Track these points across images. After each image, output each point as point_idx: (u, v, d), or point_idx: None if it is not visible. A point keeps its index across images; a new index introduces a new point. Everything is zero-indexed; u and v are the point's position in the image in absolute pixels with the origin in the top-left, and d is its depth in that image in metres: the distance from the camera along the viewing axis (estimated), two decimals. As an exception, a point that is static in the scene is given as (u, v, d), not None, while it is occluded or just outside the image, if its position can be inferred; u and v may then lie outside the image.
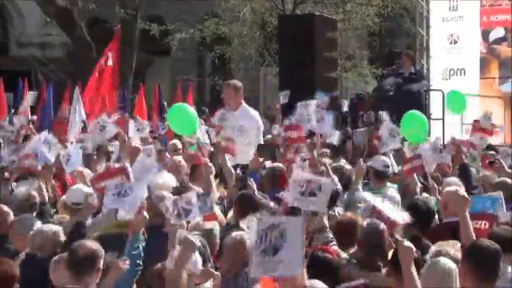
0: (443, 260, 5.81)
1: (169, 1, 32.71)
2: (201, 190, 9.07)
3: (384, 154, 12.50)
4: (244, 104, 11.74)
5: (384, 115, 12.52)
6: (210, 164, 9.90)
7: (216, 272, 6.12)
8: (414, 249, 5.84)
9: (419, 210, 7.85)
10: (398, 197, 9.58)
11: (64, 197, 9.20)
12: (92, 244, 6.14)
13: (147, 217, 6.71)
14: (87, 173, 11.25)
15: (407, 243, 5.87)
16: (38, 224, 7.55)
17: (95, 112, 15.79)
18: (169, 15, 31.65)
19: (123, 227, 7.11)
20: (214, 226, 7.38)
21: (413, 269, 5.76)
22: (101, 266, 6.00)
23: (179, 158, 12.28)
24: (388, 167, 11.13)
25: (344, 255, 6.90)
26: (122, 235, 6.83)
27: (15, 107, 20.28)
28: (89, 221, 8.22)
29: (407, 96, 17.78)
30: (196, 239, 6.21)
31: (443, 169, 11.60)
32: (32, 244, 7.12)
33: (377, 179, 10.53)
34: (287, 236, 5.12)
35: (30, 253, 7.06)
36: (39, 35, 35.17)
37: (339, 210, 8.82)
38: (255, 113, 11.74)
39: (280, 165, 10.13)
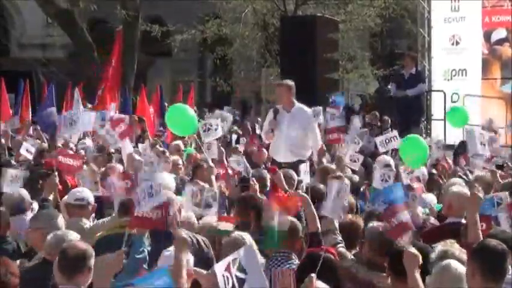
0: (454, 264, 5.80)
1: (170, 2, 32.70)
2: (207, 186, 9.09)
3: (385, 153, 12.54)
4: (296, 103, 12.02)
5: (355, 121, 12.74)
6: (212, 165, 9.90)
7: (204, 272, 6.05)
8: (420, 256, 5.85)
9: None
10: None
11: (65, 197, 9.17)
12: (81, 244, 6.11)
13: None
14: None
15: (413, 249, 5.88)
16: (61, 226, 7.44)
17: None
18: (170, 16, 31.64)
19: (126, 227, 7.09)
20: (230, 228, 7.31)
21: (418, 276, 5.78)
22: (92, 266, 5.98)
23: (175, 156, 12.34)
24: (389, 166, 11.18)
25: (350, 256, 6.88)
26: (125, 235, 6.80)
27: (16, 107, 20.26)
28: (90, 224, 8.21)
29: (409, 96, 17.76)
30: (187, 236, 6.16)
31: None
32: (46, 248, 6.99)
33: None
34: (246, 267, 5.11)
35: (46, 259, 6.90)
36: (40, 36, 35.19)
37: None
38: (308, 110, 12.09)
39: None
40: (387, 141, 12.42)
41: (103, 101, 17.12)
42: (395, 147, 13.06)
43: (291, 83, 12.21)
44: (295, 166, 10.51)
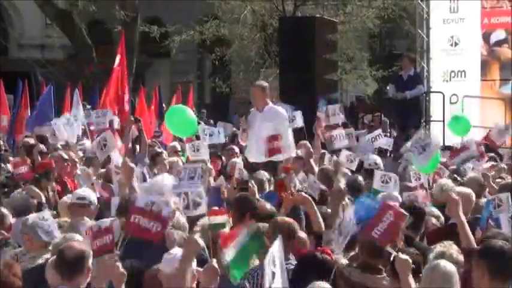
0: (444, 263, 5.82)
1: (169, 3, 32.71)
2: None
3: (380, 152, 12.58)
4: (270, 103, 11.88)
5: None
6: (210, 166, 9.91)
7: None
8: (411, 261, 5.86)
9: (410, 210, 7.93)
10: (397, 195, 9.61)
11: (65, 198, 9.17)
12: (79, 245, 6.08)
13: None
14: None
15: (403, 256, 5.88)
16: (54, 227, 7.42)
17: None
18: (168, 17, 31.66)
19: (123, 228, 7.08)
20: (225, 220, 7.28)
21: (411, 281, 5.80)
22: (90, 266, 5.96)
23: (174, 158, 12.34)
24: (376, 163, 11.22)
25: (343, 260, 6.87)
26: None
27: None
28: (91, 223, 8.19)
29: (407, 98, 17.76)
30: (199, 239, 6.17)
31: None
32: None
33: (368, 176, 10.64)
34: (276, 261, 5.09)
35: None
36: (39, 37, 35.19)
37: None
38: (282, 111, 11.90)
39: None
40: (373, 139, 12.45)
41: (106, 102, 17.05)
42: (384, 147, 13.10)
43: (264, 84, 12.12)
44: (266, 167, 10.45)
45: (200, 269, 6.14)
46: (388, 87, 18.84)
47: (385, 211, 6.13)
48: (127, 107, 15.60)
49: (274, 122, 11.45)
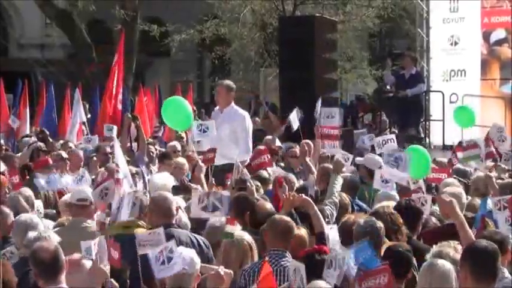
0: (441, 262, 5.83)
1: (169, 2, 32.71)
2: (200, 189, 9.12)
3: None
4: (233, 104, 11.72)
5: None
6: (202, 164, 9.91)
7: (229, 271, 6.04)
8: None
9: (407, 210, 8.05)
10: (395, 194, 9.66)
11: (66, 197, 9.17)
12: (49, 244, 6.06)
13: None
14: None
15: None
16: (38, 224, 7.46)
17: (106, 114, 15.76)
18: (168, 16, 31.65)
19: (130, 228, 7.10)
20: (233, 230, 7.31)
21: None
22: (65, 259, 5.95)
23: (180, 159, 12.31)
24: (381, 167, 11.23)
25: None
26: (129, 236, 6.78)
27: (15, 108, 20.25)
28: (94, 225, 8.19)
29: (407, 97, 17.80)
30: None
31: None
32: None
33: (369, 176, 10.65)
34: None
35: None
36: (39, 37, 35.18)
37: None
38: (243, 113, 11.69)
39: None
40: (384, 142, 12.42)
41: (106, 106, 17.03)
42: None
43: (232, 85, 11.89)
44: (224, 170, 10.39)
45: (208, 266, 6.15)
46: (384, 74, 18.83)
47: (382, 272, 6.08)
48: (120, 106, 15.57)
49: (232, 123, 11.31)
